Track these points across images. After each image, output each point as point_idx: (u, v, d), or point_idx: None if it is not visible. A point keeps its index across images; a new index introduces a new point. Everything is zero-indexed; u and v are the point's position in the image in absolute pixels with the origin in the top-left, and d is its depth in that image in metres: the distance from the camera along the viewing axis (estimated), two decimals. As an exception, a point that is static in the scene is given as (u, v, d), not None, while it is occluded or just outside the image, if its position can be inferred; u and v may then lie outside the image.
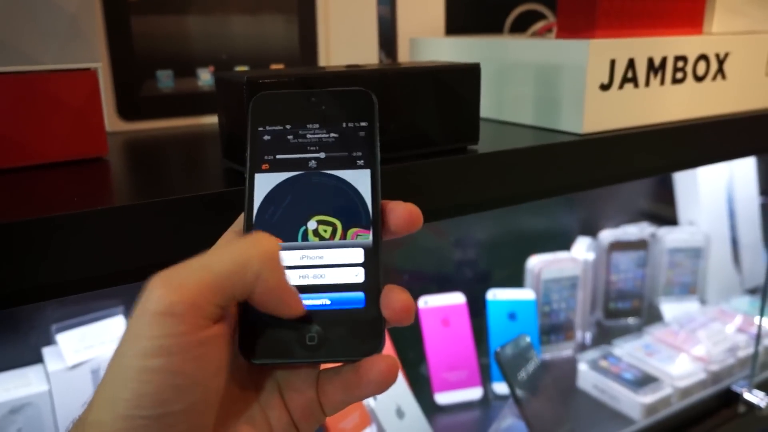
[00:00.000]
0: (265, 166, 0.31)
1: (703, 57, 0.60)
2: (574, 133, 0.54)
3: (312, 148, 0.32)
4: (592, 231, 1.10)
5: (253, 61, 0.65)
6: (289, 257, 0.30)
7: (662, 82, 0.57)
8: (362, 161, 0.32)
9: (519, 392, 0.76)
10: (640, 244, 1.06)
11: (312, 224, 0.30)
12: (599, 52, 0.52)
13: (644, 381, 0.86)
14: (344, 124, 0.33)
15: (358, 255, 0.30)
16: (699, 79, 0.60)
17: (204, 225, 0.36)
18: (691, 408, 0.85)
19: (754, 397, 0.86)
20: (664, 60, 0.57)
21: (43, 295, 0.33)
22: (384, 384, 0.28)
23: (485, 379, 0.89)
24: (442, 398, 0.87)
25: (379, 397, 0.73)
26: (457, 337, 0.90)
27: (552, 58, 0.54)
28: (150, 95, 0.61)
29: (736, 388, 0.87)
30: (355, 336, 0.28)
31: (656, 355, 0.91)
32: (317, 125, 0.32)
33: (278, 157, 0.32)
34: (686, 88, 0.59)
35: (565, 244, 1.06)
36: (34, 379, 0.61)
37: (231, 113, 0.41)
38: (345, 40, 0.71)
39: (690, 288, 1.11)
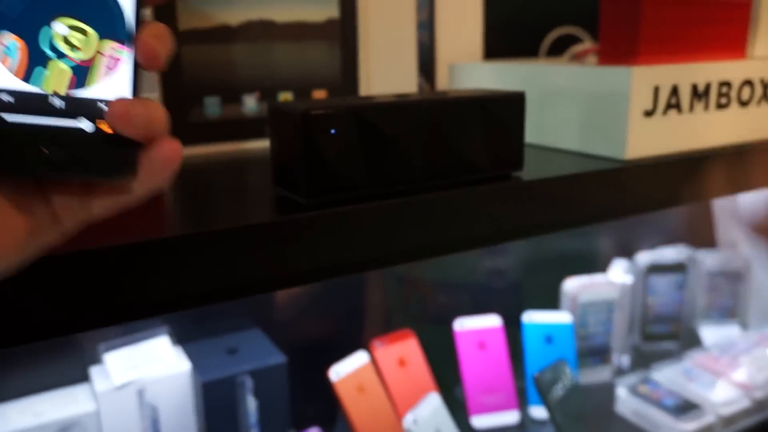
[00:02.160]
0: None
1: (748, 82, 0.59)
2: (617, 159, 0.54)
3: None
4: (628, 252, 1.09)
5: (296, 87, 0.66)
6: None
7: (706, 107, 0.57)
8: None
9: (557, 417, 0.75)
10: (679, 267, 1.05)
11: (60, 27, 0.26)
12: (643, 79, 0.53)
13: (685, 408, 0.85)
14: None
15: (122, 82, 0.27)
16: (744, 104, 0.60)
17: (257, 252, 0.37)
18: (735, 436, 0.83)
19: (800, 425, 0.84)
20: (708, 86, 0.57)
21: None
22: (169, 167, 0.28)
23: (522, 403, 0.89)
24: (479, 421, 0.86)
25: (419, 420, 0.73)
26: (493, 360, 0.89)
27: (594, 85, 0.55)
28: (197, 121, 0.62)
29: (781, 417, 0.85)
30: (106, 155, 0.27)
31: (697, 380, 0.90)
32: None
33: None
34: (731, 113, 0.59)
35: (601, 266, 1.05)
36: (82, 399, 0.63)
37: (285, 143, 0.42)
38: (385, 66, 0.73)
39: (730, 312, 1.09)
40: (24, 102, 0.26)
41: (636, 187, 0.53)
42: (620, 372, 0.98)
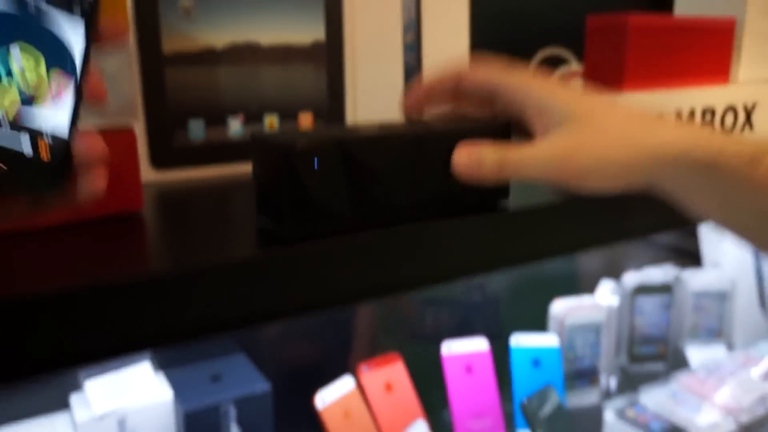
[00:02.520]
0: None
1: (731, 108, 0.60)
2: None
3: None
4: (615, 272, 1.09)
5: (281, 110, 0.66)
6: None
7: (691, 133, 0.57)
8: (79, 9, 0.30)
9: (546, 443, 0.74)
10: (665, 288, 1.05)
11: (15, 51, 0.28)
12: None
13: None
14: None
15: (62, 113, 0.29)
16: (727, 129, 0.60)
17: (239, 288, 0.37)
18: (723, 460, 0.83)
19: (788, 448, 0.84)
20: (692, 112, 0.57)
21: (74, 361, 0.34)
22: None
23: (509, 427, 0.88)
24: (466, 446, 0.85)
25: (405, 448, 0.72)
26: (481, 384, 0.88)
27: (581, 111, 0.54)
28: (181, 145, 0.62)
29: (769, 440, 0.85)
30: (40, 176, 0.28)
31: (684, 404, 0.90)
32: None
33: None
34: (715, 140, 0.59)
35: (589, 286, 1.05)
36: (61, 429, 0.61)
37: (266, 173, 0.41)
38: (372, 88, 0.72)
39: (716, 332, 1.09)
40: None
41: (625, 212, 0.53)
42: (608, 394, 0.98)
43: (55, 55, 0.29)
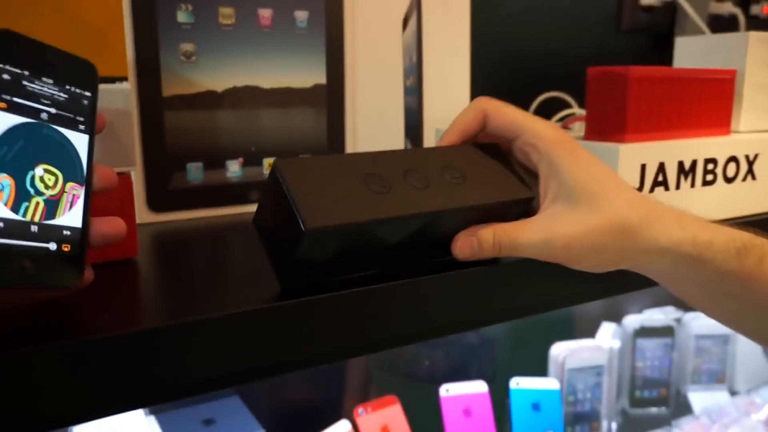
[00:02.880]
0: (2, 105, 0.33)
1: (733, 159, 0.59)
2: (604, 236, 0.53)
3: (45, 101, 0.35)
4: (615, 315, 1.08)
5: (281, 153, 0.66)
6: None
7: (693, 184, 0.57)
8: (83, 126, 0.36)
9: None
10: (666, 331, 1.04)
11: (39, 171, 0.34)
12: (630, 157, 0.52)
13: (675, 481, 0.82)
14: (74, 89, 0.36)
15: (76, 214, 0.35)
16: (729, 180, 0.60)
17: (237, 342, 0.36)
18: None
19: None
20: (694, 163, 0.56)
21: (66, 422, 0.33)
22: None
23: (508, 473, 0.86)
24: (464, 493, 0.83)
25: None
26: (479, 427, 0.87)
27: (581, 161, 0.54)
28: (179, 187, 0.61)
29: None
30: (68, 268, 0.34)
31: (687, 451, 0.88)
32: (51, 81, 0.35)
33: (15, 99, 0.33)
34: (717, 190, 0.59)
35: (589, 329, 1.04)
36: (48, 475, 0.60)
37: (276, 219, 0.38)
38: (372, 131, 0.72)
39: (718, 377, 1.08)
40: (10, 227, 0.32)
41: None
42: (609, 440, 0.96)
43: (70, 169, 0.35)
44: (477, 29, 0.80)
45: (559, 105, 0.91)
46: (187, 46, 0.60)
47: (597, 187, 0.42)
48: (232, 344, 0.36)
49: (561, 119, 0.87)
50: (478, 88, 0.84)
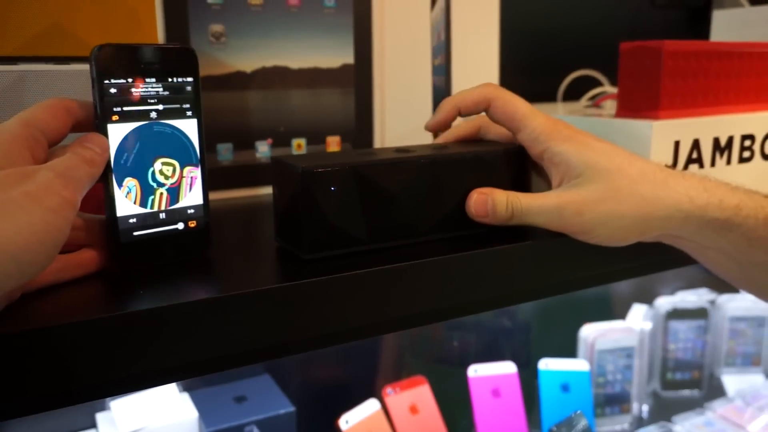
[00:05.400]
0: (114, 117, 0.36)
1: (772, 135, 0.58)
2: (637, 215, 0.52)
3: (152, 101, 0.37)
4: (647, 297, 1.06)
5: (309, 134, 0.66)
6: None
7: (729, 161, 0.56)
8: (190, 112, 0.39)
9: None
10: (700, 313, 1.02)
11: (158, 165, 0.38)
12: (663, 134, 0.51)
13: (708, 463, 0.82)
14: (176, 79, 0.38)
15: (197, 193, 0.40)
16: (767, 156, 0.58)
17: (259, 318, 0.36)
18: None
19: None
20: (730, 139, 0.55)
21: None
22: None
23: (537, 454, 0.86)
24: (493, 473, 0.84)
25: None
26: (508, 408, 0.87)
27: (613, 137, 0.53)
28: (210, 167, 0.62)
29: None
30: (198, 241, 0.40)
31: (720, 434, 0.87)
32: (154, 79, 0.37)
33: (125, 109, 0.36)
34: (754, 167, 0.57)
35: (620, 311, 1.03)
36: (87, 448, 0.62)
37: (285, 197, 0.41)
38: (400, 111, 0.72)
39: (753, 359, 1.06)
40: (143, 220, 0.38)
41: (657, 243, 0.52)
42: (640, 422, 0.95)
43: (184, 155, 0.39)
44: (505, 4, 0.79)
45: (590, 83, 0.89)
46: (217, 27, 0.60)
47: (607, 162, 0.42)
48: (260, 320, 0.36)
49: (592, 98, 0.85)
50: (507, 66, 0.83)
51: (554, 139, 0.43)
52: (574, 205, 0.41)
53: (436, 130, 0.48)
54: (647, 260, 0.51)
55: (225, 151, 0.63)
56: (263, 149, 0.64)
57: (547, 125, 0.43)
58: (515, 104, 0.44)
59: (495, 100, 0.44)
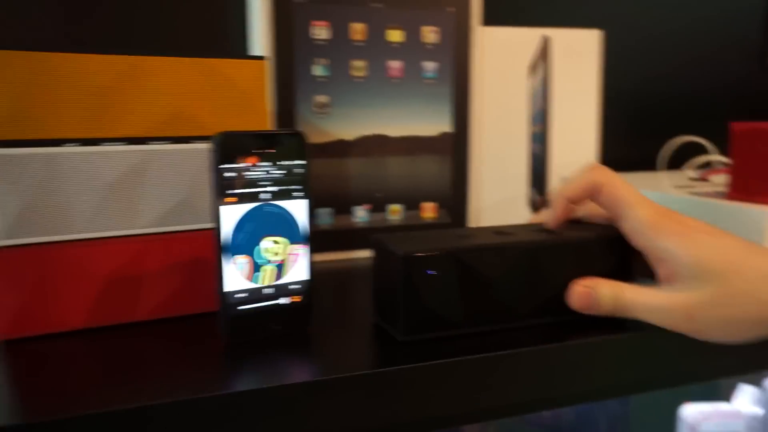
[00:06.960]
0: (229, 199, 0.39)
1: None
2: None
3: (265, 184, 0.40)
4: (752, 375, 0.98)
5: (405, 200, 0.67)
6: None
7: None
8: (301, 193, 0.41)
9: None
10: (817, 398, 0.94)
11: (266, 243, 0.40)
12: (781, 221, 0.49)
13: None
14: (288, 162, 0.40)
15: (302, 268, 0.42)
16: None
17: (351, 403, 0.37)
18: None
19: None
20: None
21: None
22: None
23: None
24: None
25: None
26: (599, 488, 0.82)
27: (724, 222, 0.51)
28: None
29: None
30: (301, 315, 0.42)
31: None
32: (270, 163, 0.40)
33: (241, 191, 0.39)
34: None
35: (720, 391, 0.96)
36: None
37: (384, 277, 0.42)
38: (496, 179, 0.72)
39: None
40: (251, 294, 0.40)
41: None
42: None
43: (292, 234, 0.41)
44: (606, 69, 0.78)
45: (690, 149, 0.86)
46: (322, 98, 0.63)
47: (720, 263, 0.39)
48: (352, 404, 0.37)
49: (701, 167, 0.82)
50: (606, 131, 0.81)
51: (661, 234, 0.41)
52: (684, 309, 0.39)
53: (558, 228, 0.47)
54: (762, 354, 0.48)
55: (325, 216, 0.65)
56: (361, 214, 0.66)
57: (653, 217, 0.41)
58: (622, 191, 0.43)
59: (603, 186, 0.43)
